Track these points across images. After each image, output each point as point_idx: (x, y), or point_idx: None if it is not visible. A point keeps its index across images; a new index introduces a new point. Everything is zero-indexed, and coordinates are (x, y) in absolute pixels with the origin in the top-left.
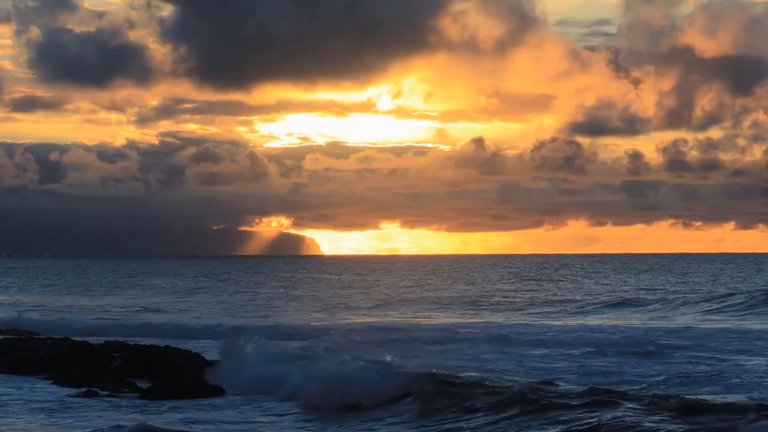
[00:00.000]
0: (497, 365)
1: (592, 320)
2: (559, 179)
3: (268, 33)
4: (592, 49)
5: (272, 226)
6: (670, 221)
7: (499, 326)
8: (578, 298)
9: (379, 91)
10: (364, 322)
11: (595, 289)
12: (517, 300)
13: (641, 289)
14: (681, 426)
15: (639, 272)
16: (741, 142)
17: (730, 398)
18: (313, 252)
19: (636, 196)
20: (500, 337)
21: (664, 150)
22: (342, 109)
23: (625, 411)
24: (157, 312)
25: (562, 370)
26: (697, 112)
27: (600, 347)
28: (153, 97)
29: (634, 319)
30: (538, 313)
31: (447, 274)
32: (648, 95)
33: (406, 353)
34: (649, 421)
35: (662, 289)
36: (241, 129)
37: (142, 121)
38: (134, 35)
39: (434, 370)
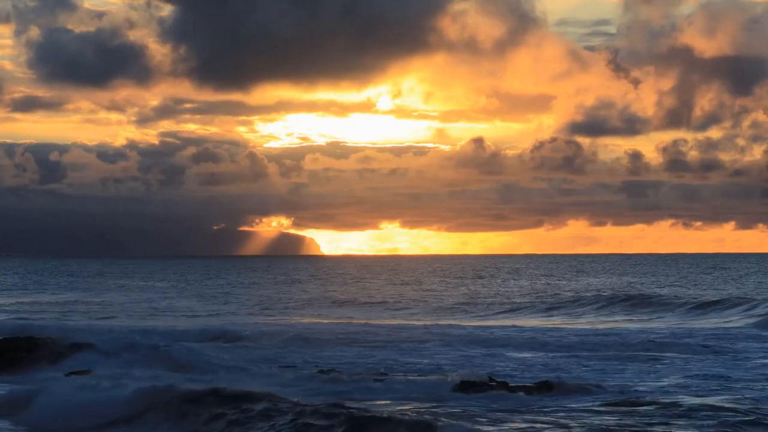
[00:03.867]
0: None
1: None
2: (559, 179)
3: (267, 33)
4: (592, 49)
5: (272, 226)
6: (670, 221)
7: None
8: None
9: (379, 91)
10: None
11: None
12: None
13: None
14: None
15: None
16: (741, 142)
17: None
18: (313, 252)
19: (636, 196)
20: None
21: (664, 150)
22: (342, 109)
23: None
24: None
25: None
26: (697, 112)
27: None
28: (153, 97)
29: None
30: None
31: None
32: (648, 95)
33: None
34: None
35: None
36: (241, 129)
37: (142, 121)
38: (134, 35)
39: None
